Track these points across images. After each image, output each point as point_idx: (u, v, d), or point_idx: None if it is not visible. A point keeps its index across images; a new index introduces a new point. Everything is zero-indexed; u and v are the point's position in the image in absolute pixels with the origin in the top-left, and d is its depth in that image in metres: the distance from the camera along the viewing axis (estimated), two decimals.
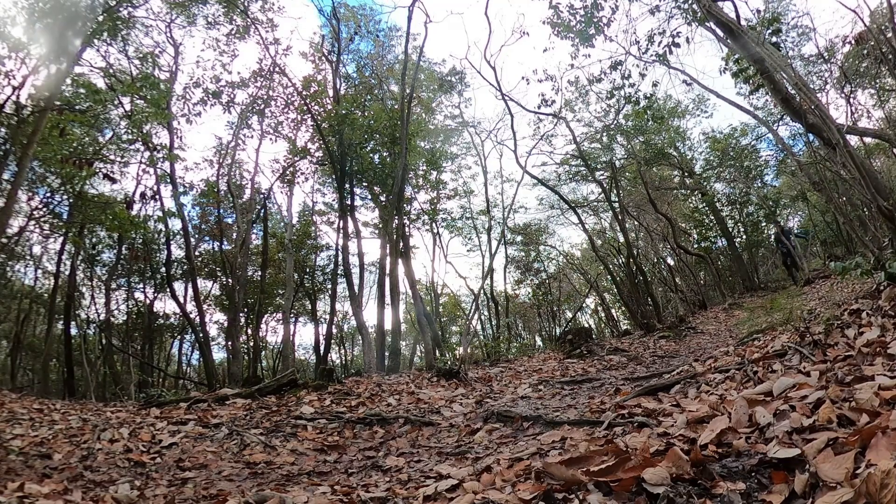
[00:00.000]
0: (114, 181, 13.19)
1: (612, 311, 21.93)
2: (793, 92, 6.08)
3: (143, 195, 13.63)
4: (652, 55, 8.82)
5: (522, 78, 14.60)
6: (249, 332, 16.94)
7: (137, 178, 14.09)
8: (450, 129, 18.50)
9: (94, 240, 15.20)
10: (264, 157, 37.73)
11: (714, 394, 2.65)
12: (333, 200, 16.95)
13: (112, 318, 15.98)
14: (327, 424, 3.95)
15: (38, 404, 5.30)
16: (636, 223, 20.76)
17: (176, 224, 14.72)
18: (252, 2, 12.29)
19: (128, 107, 11.44)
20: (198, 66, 13.26)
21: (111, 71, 11.52)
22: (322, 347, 16.81)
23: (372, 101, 14.13)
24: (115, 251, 15.93)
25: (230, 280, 13.95)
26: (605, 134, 15.96)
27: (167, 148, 12.65)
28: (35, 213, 12.82)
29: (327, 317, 17.66)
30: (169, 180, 13.00)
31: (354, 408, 4.67)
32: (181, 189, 14.44)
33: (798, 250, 14.72)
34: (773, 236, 14.47)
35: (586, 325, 19.55)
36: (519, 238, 20.40)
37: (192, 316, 13.53)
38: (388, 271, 11.66)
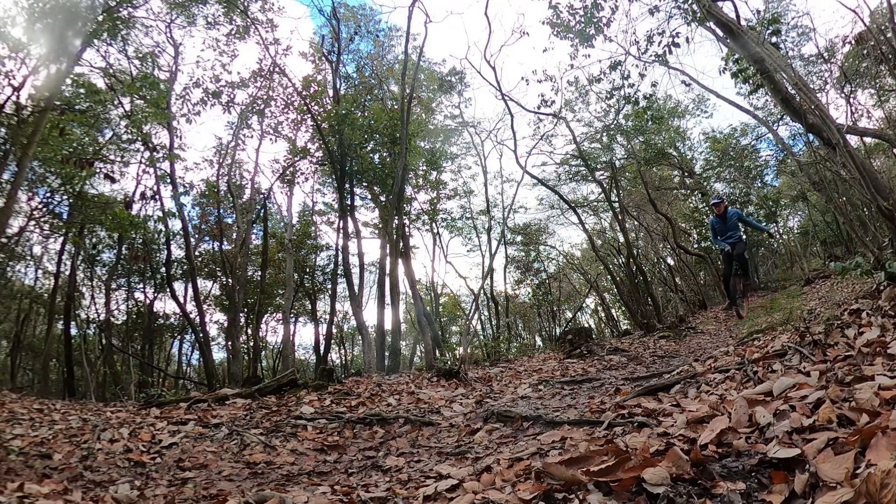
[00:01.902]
0: (114, 181, 13.22)
1: (612, 311, 21.96)
2: (793, 92, 6.08)
3: (143, 195, 13.64)
4: (651, 55, 8.82)
5: (522, 78, 14.61)
6: (249, 332, 16.94)
7: (137, 178, 14.12)
8: (450, 129, 18.51)
9: (94, 240, 15.20)
10: (264, 157, 37.81)
11: (714, 394, 2.65)
12: (333, 200, 16.97)
13: (112, 318, 15.98)
14: (327, 424, 3.95)
15: (38, 404, 5.30)
16: (636, 223, 20.77)
17: (176, 224, 14.74)
18: (252, 2, 12.30)
19: (128, 107, 11.44)
20: (198, 66, 13.27)
21: (111, 71, 11.52)
22: (322, 347, 16.81)
23: (372, 101, 14.13)
24: (115, 251, 15.93)
25: (230, 280, 13.95)
26: (604, 134, 15.96)
27: (167, 148, 12.65)
28: (35, 213, 12.81)
29: (327, 317, 17.68)
30: (169, 180, 13.00)
31: (354, 408, 4.67)
32: (181, 189, 14.45)
33: (743, 239, 7.87)
34: (709, 222, 8.26)
35: (586, 325, 19.57)
36: (519, 238, 20.42)
37: (192, 316, 13.54)
38: (388, 271, 11.66)
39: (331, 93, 13.54)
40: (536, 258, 21.05)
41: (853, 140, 11.48)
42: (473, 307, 15.09)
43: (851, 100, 12.39)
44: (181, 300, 14.66)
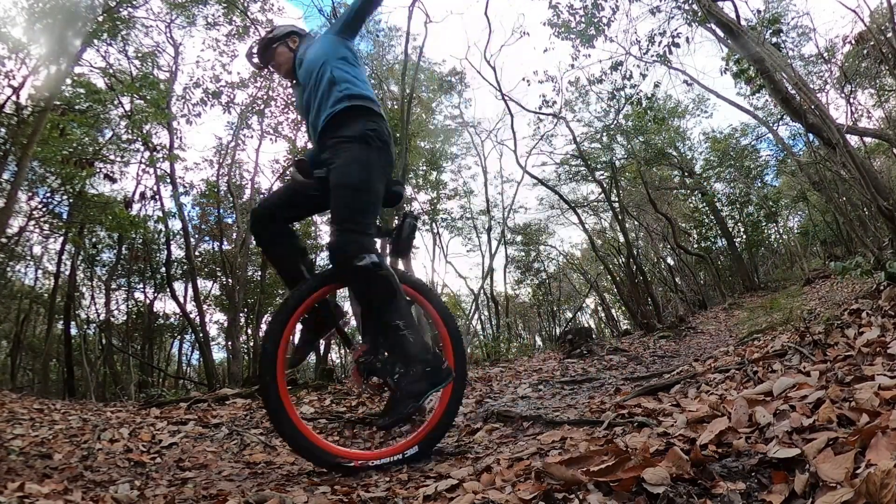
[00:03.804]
0: (114, 181, 13.22)
1: (612, 311, 21.96)
2: (793, 92, 6.08)
3: (142, 195, 13.65)
4: (652, 55, 8.84)
5: (523, 79, 14.65)
6: (249, 332, 16.94)
7: (137, 178, 14.12)
8: (450, 130, 18.51)
9: (94, 240, 15.21)
10: (264, 157, 37.88)
11: (714, 394, 2.65)
12: None
13: (112, 318, 15.99)
14: (327, 424, 3.95)
15: (38, 404, 5.29)
16: (636, 223, 20.77)
17: (176, 224, 14.74)
18: (252, 2, 12.31)
19: (128, 107, 11.45)
20: (198, 66, 13.30)
21: (111, 71, 11.52)
22: (322, 347, 16.81)
23: None
24: (115, 251, 15.94)
25: (230, 280, 13.95)
26: (605, 134, 15.96)
27: (167, 148, 12.66)
28: (35, 213, 12.82)
29: None
30: (169, 180, 13.01)
31: (354, 408, 4.67)
32: (181, 189, 14.46)
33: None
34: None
35: (586, 325, 19.56)
36: (519, 238, 20.43)
37: (192, 316, 13.54)
38: None
39: None
40: (536, 258, 21.07)
41: (853, 140, 11.47)
42: (473, 307, 15.10)
43: (851, 100, 12.40)
44: (181, 300, 14.67)
